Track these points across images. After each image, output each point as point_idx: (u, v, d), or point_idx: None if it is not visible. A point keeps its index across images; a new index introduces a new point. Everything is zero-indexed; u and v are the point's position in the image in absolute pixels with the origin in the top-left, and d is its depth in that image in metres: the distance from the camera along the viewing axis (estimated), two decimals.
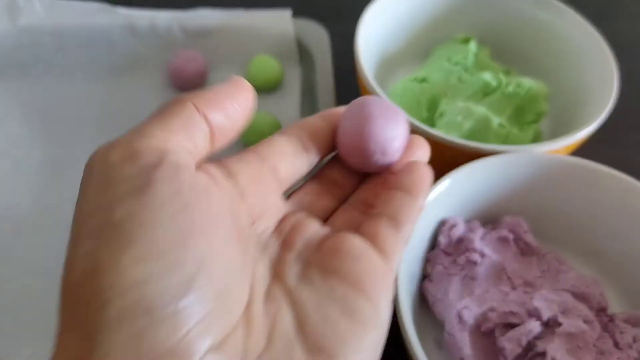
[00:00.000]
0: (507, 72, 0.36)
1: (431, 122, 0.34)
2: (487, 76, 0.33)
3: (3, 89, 0.36)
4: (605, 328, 0.27)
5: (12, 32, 0.36)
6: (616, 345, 0.26)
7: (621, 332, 0.27)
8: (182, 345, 0.10)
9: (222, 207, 0.13)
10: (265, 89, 0.38)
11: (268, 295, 0.14)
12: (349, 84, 0.38)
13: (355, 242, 0.15)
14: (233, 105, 0.16)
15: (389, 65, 0.39)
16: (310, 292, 0.14)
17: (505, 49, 0.39)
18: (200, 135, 0.14)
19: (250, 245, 0.15)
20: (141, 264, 0.10)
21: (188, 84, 0.37)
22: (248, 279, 0.13)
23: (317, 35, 0.40)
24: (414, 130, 0.29)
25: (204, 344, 0.11)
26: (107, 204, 0.11)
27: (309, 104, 0.38)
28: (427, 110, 0.34)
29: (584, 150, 0.32)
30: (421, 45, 0.39)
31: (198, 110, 0.14)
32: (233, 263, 0.13)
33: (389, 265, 0.15)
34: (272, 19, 0.39)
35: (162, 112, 0.14)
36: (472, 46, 0.36)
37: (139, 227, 0.11)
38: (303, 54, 0.40)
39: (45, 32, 0.37)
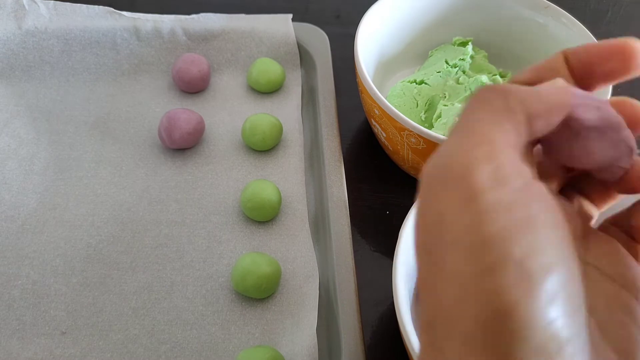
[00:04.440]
0: (503, 75, 0.37)
1: (429, 124, 0.34)
2: (484, 78, 0.34)
3: (9, 90, 0.37)
4: None
5: (17, 35, 0.37)
6: None
7: None
8: None
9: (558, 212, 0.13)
10: (267, 91, 0.39)
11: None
12: (348, 85, 0.39)
13: None
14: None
15: (387, 68, 0.39)
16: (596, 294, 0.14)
17: (502, 52, 0.39)
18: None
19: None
20: (550, 305, 0.11)
21: (191, 86, 0.38)
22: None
23: (318, 39, 0.40)
24: (411, 132, 0.29)
25: None
26: (503, 238, 0.11)
27: (310, 106, 0.39)
28: (425, 111, 0.35)
29: None
30: (419, 48, 0.40)
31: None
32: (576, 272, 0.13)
33: None
34: (273, 23, 0.40)
35: (500, 115, 0.13)
36: (469, 49, 0.36)
37: (540, 268, 0.11)
38: (304, 57, 0.40)
39: (50, 35, 0.37)
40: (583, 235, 0.16)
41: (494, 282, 0.11)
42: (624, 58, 0.14)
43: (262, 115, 0.35)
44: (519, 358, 0.11)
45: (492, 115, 0.13)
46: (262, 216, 0.32)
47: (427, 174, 0.13)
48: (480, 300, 0.11)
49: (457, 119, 0.14)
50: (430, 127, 0.34)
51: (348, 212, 0.31)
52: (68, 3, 0.39)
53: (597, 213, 0.18)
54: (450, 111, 0.33)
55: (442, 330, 0.12)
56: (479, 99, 0.13)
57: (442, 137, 0.28)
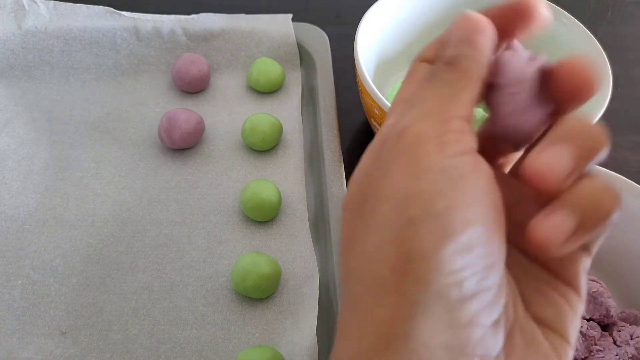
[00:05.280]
0: None
1: None
2: None
3: (9, 90, 0.37)
4: (604, 327, 0.28)
5: (17, 35, 0.37)
6: (614, 342, 0.27)
7: (618, 330, 0.27)
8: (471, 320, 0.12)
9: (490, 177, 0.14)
10: (267, 91, 0.39)
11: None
12: (348, 85, 0.39)
13: None
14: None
15: (387, 68, 0.39)
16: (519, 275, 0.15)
17: None
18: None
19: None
20: (459, 256, 0.12)
21: (191, 86, 0.38)
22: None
23: (318, 39, 0.40)
24: None
25: (487, 321, 0.13)
26: (429, 193, 0.12)
27: (310, 106, 0.39)
28: None
29: None
30: (419, 48, 0.39)
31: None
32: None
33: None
34: (273, 23, 0.40)
35: (449, 85, 0.14)
36: None
37: (457, 221, 0.12)
38: (304, 57, 0.40)
39: (50, 35, 0.37)
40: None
41: (412, 231, 0.12)
42: (522, 12, 0.15)
43: (262, 115, 0.35)
44: (420, 300, 0.12)
45: (442, 85, 0.14)
46: (262, 216, 0.32)
47: (381, 141, 0.14)
48: (397, 247, 0.12)
49: (401, 88, 0.15)
50: None
51: None
52: (68, 3, 0.39)
53: None
54: None
55: (358, 278, 0.13)
56: (413, 71, 0.15)
57: None
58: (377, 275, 0.13)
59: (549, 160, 0.13)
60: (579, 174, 0.13)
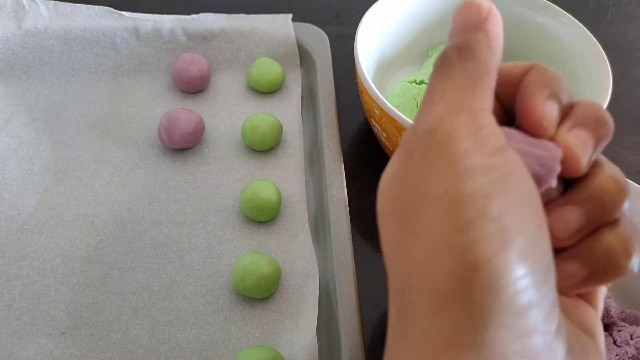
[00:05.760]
0: None
1: None
2: None
3: (9, 90, 0.37)
4: (604, 327, 0.28)
5: (17, 35, 0.37)
6: (614, 342, 0.27)
7: (618, 330, 0.27)
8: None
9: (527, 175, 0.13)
10: (267, 91, 0.39)
11: None
12: (348, 85, 0.39)
13: None
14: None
15: (387, 68, 0.39)
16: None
17: (502, 52, 0.39)
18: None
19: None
20: (523, 260, 0.12)
21: (191, 86, 0.38)
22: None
23: (318, 39, 0.40)
24: None
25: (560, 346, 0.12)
26: (481, 195, 0.12)
27: (310, 106, 0.39)
28: None
29: None
30: (419, 48, 0.40)
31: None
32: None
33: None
34: (273, 23, 0.40)
35: (467, 77, 0.14)
36: None
37: (515, 224, 0.12)
38: (304, 57, 0.40)
39: (50, 35, 0.37)
40: None
41: (470, 237, 0.12)
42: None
43: (262, 115, 0.35)
44: (493, 310, 0.11)
45: (461, 78, 0.14)
46: (262, 216, 0.32)
47: (408, 142, 0.14)
48: (455, 254, 0.12)
49: (429, 85, 0.14)
50: None
51: (348, 212, 0.31)
52: (68, 3, 0.39)
53: None
54: None
55: (414, 288, 0.13)
56: (442, 66, 0.14)
57: None
58: (439, 285, 0.12)
59: (560, 218, 0.14)
60: (586, 233, 0.14)
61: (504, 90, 0.15)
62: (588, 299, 0.15)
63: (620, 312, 0.28)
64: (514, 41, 0.39)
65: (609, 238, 0.13)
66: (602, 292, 0.15)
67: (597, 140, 0.14)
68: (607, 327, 0.28)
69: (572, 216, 0.13)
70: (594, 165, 0.14)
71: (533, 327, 0.12)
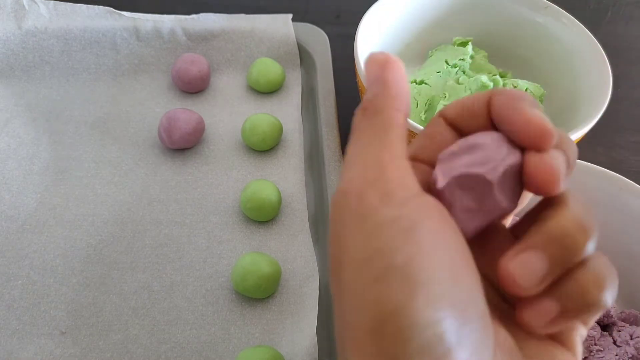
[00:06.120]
0: (503, 75, 0.37)
1: None
2: (484, 78, 0.34)
3: (9, 90, 0.37)
4: (604, 327, 0.28)
5: (17, 35, 0.37)
6: (614, 342, 0.27)
7: (618, 330, 0.27)
8: None
9: (448, 220, 0.14)
10: (267, 91, 0.39)
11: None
12: (348, 85, 0.39)
13: None
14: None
15: None
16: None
17: (502, 52, 0.39)
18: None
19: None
20: (432, 306, 0.12)
21: (191, 86, 0.38)
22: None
23: (318, 39, 0.40)
24: (410, 132, 0.29)
25: None
26: (386, 250, 0.12)
27: (310, 106, 0.39)
28: (425, 111, 0.35)
29: (579, 151, 0.32)
30: (419, 48, 0.40)
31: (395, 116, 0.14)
32: (476, 280, 0.13)
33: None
34: (273, 23, 0.40)
35: (374, 132, 0.14)
36: (469, 49, 0.36)
37: (421, 271, 0.12)
38: (304, 56, 0.40)
39: (50, 35, 0.37)
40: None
41: (380, 289, 0.12)
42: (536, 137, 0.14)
43: (262, 115, 0.35)
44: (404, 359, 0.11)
45: (367, 135, 0.14)
46: (262, 216, 0.32)
47: (332, 203, 0.14)
48: (369, 308, 0.12)
49: (346, 149, 0.15)
50: None
51: None
52: (68, 3, 0.39)
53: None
54: None
55: (344, 340, 0.13)
56: (353, 129, 0.15)
57: None
58: (358, 340, 0.12)
59: (522, 265, 0.13)
60: (554, 278, 0.13)
61: (472, 121, 0.15)
62: (564, 341, 0.15)
63: (620, 312, 0.29)
64: (514, 41, 0.39)
65: (580, 275, 0.13)
66: (580, 334, 0.15)
67: (570, 163, 0.14)
68: (607, 327, 0.28)
69: (534, 262, 0.13)
70: (558, 203, 0.14)
71: None
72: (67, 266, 0.30)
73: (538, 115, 0.14)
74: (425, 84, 0.35)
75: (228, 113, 0.38)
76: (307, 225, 0.32)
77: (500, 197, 0.14)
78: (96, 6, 0.39)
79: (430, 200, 0.13)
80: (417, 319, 0.11)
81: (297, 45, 0.40)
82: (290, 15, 0.40)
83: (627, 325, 0.28)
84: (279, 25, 0.40)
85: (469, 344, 0.12)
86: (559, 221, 0.13)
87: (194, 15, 0.39)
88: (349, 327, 0.13)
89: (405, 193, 0.13)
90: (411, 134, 0.30)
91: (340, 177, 0.14)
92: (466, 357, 0.12)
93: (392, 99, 0.14)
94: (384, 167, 0.13)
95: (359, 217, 0.13)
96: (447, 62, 0.36)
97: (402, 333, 0.12)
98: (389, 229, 0.12)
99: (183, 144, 0.34)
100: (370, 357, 0.12)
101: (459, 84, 0.34)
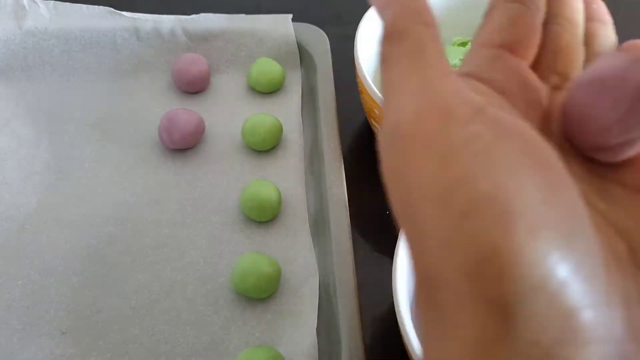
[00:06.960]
0: None
1: None
2: None
3: (9, 90, 0.37)
4: None
5: (17, 35, 0.37)
6: None
7: None
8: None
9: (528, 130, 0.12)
10: (267, 91, 0.39)
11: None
12: (348, 85, 0.39)
13: None
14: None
15: None
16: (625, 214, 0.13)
17: None
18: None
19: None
20: (534, 239, 0.10)
21: (191, 86, 0.38)
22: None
23: (318, 39, 0.40)
24: None
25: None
26: (467, 178, 0.10)
27: (310, 106, 0.39)
28: None
29: None
30: None
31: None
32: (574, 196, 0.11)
33: None
34: (273, 23, 0.40)
35: (408, 56, 0.13)
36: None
37: (514, 198, 0.10)
38: (304, 57, 0.40)
39: (50, 35, 0.37)
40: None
41: (471, 226, 0.10)
42: None
43: (262, 115, 0.35)
44: (513, 301, 0.10)
45: (402, 61, 0.13)
46: (262, 216, 0.32)
47: (382, 140, 0.13)
48: (461, 249, 0.10)
49: (382, 83, 0.13)
50: None
51: (348, 212, 0.31)
52: (68, 3, 0.39)
53: None
54: None
55: (436, 284, 0.11)
56: (384, 59, 0.13)
57: None
58: (454, 286, 0.11)
59: None
60: None
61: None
62: None
63: None
64: None
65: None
66: None
67: None
68: None
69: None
70: None
71: (572, 306, 0.10)
72: (67, 266, 0.30)
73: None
74: None
75: (228, 113, 0.38)
76: (307, 225, 0.32)
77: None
78: (96, 6, 0.39)
79: (500, 114, 0.12)
80: (521, 257, 0.10)
81: (297, 45, 0.40)
82: (290, 15, 0.40)
83: None
84: (279, 26, 0.40)
85: (582, 274, 0.10)
86: None
87: (194, 16, 0.39)
88: (440, 271, 0.11)
89: (468, 108, 0.11)
90: None
91: (385, 112, 0.13)
92: (582, 288, 0.10)
93: (416, 15, 0.13)
94: (434, 85, 0.12)
95: (423, 145, 0.11)
96: None
97: (505, 274, 0.10)
98: (462, 154, 0.11)
99: (183, 144, 0.34)
100: (470, 302, 0.10)
101: None
